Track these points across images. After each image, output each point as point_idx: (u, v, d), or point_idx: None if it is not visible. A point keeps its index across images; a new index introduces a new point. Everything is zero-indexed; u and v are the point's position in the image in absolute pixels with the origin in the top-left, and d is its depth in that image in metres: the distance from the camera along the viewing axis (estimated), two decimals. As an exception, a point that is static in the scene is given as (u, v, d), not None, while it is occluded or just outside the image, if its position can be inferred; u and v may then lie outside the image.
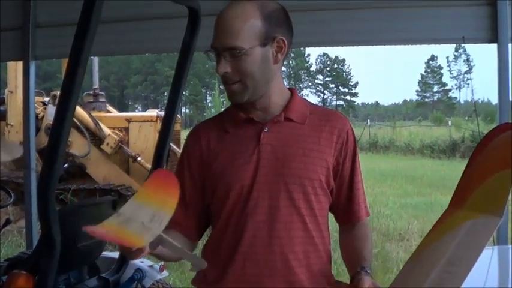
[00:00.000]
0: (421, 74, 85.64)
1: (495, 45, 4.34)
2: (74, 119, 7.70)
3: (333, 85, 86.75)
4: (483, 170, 1.59)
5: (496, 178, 1.50)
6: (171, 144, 8.78)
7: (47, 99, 10.37)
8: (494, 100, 4.47)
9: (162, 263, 4.40)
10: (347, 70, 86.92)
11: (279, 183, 1.89)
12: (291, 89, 2.04)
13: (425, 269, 1.53)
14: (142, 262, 4.30)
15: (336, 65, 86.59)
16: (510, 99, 4.32)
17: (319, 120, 1.98)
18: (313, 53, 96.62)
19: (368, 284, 1.76)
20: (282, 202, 1.88)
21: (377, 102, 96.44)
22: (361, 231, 2.07)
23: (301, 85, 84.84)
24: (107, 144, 9.79)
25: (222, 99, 16.27)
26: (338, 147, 1.97)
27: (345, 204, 2.04)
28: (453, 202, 1.67)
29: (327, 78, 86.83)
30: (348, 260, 2.03)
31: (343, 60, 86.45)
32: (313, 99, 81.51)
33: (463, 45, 4.58)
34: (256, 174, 1.89)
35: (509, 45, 4.30)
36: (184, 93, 3.91)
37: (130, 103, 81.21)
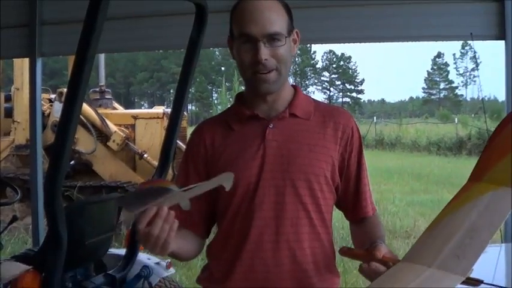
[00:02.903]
0: (427, 71, 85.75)
1: (502, 42, 4.33)
2: (80, 116, 7.72)
3: (339, 82, 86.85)
4: (503, 146, 1.60)
5: None
6: (178, 141, 8.79)
7: (53, 96, 10.38)
8: (501, 97, 4.45)
9: (169, 260, 4.41)
10: (353, 67, 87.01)
11: (285, 180, 1.88)
12: (294, 86, 2.04)
13: (444, 236, 1.50)
14: (149, 259, 4.31)
15: (342, 62, 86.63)
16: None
17: (324, 117, 1.98)
18: (319, 50, 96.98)
19: (385, 250, 1.69)
20: (288, 198, 1.87)
21: (383, 99, 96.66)
22: (373, 220, 2.06)
23: (307, 82, 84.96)
24: (113, 141, 9.78)
25: (228, 96, 16.23)
26: (343, 143, 1.96)
27: (353, 201, 2.04)
28: (472, 177, 1.66)
29: (333, 75, 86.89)
30: (359, 244, 2.00)
31: (350, 57, 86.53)
32: (319, 96, 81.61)
33: (469, 42, 4.56)
34: (262, 170, 1.88)
35: (517, 42, 4.28)
36: (190, 90, 3.90)
37: (136, 100, 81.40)
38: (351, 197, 2.03)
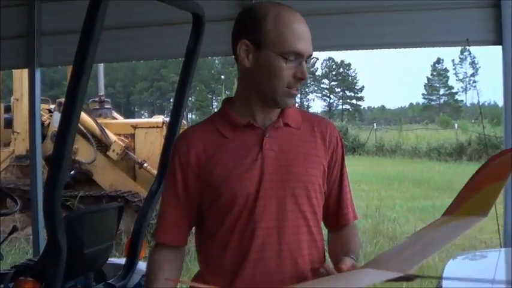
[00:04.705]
0: (427, 77, 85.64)
1: (500, 47, 4.34)
2: (80, 125, 7.68)
3: (338, 89, 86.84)
4: (479, 183, 1.71)
5: (489, 188, 1.64)
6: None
7: (52, 106, 10.39)
8: (501, 102, 4.46)
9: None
10: (353, 74, 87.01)
11: (284, 189, 1.88)
12: None
13: (402, 248, 1.67)
14: (149, 268, 4.30)
15: (341, 69, 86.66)
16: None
17: (312, 126, 2.00)
18: (318, 57, 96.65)
19: (349, 264, 1.73)
20: (288, 207, 1.88)
21: (383, 105, 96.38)
22: (349, 231, 2.07)
23: (307, 89, 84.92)
24: (113, 150, 9.78)
25: (228, 105, 16.18)
26: (330, 151, 2.00)
27: (334, 208, 2.06)
28: (446, 212, 1.76)
29: (332, 83, 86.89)
30: (333, 254, 2.00)
31: (349, 65, 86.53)
32: (319, 103, 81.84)
33: (468, 47, 4.57)
34: (262, 180, 1.87)
35: (514, 47, 4.29)
36: (190, 99, 3.90)
37: (136, 109, 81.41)
38: (333, 204, 2.05)
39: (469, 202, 1.70)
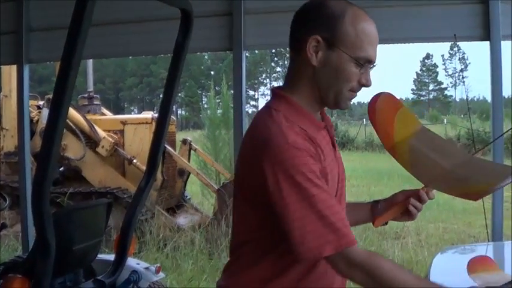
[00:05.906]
0: (416, 72, 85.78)
1: (488, 42, 4.36)
2: (69, 122, 7.64)
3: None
4: (387, 120, 2.11)
5: (399, 117, 2.11)
6: (166, 145, 8.77)
7: (42, 102, 10.35)
8: (490, 97, 4.48)
9: (158, 264, 4.41)
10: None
11: (344, 188, 1.91)
12: None
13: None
14: (138, 264, 4.31)
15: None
16: (503, 95, 4.34)
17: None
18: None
19: (405, 193, 2.16)
20: (344, 206, 1.92)
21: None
22: None
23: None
24: (102, 147, 9.76)
25: (218, 100, 16.11)
26: None
27: None
28: (389, 150, 2.16)
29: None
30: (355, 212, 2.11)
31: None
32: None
33: (457, 43, 4.59)
34: (338, 180, 1.86)
35: (502, 42, 4.32)
36: (179, 94, 3.89)
37: (126, 105, 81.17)
38: None
39: (396, 134, 2.11)
